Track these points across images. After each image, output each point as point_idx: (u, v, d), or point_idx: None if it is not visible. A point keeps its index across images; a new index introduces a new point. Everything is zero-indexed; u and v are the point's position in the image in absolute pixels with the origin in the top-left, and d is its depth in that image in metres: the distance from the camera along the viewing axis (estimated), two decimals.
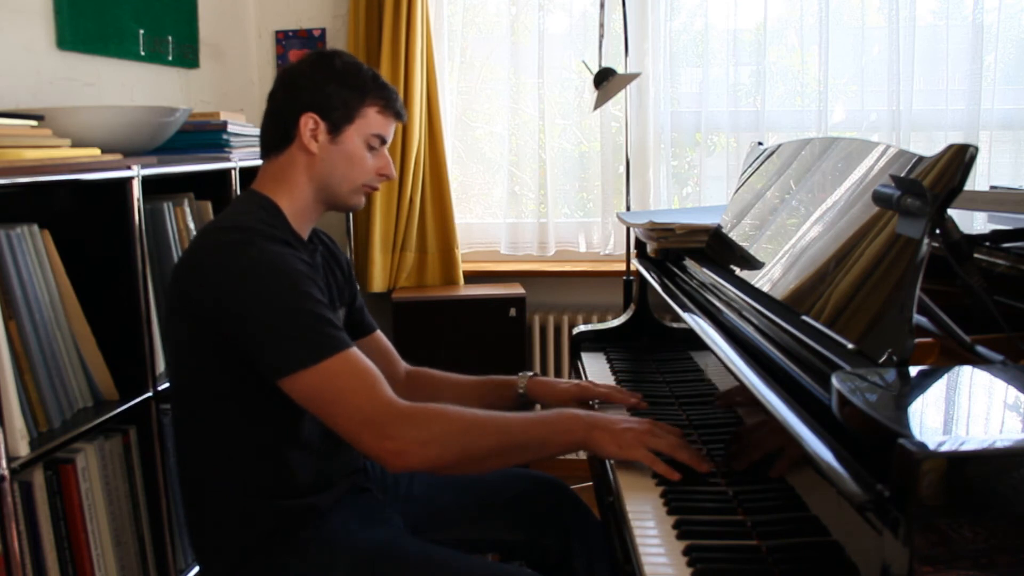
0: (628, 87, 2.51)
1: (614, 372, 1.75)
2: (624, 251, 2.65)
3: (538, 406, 1.55)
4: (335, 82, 1.32)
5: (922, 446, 0.64)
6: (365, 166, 1.35)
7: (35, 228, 1.36)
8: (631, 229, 2.38)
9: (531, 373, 1.55)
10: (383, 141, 1.37)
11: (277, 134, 1.33)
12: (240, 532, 1.25)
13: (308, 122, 1.30)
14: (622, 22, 2.55)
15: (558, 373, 2.89)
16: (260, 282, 1.16)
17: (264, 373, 1.16)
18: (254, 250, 1.18)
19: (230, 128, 1.90)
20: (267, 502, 1.25)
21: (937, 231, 0.91)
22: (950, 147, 0.92)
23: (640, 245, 1.95)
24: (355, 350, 1.18)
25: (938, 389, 0.82)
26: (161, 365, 1.62)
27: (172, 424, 1.33)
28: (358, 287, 1.57)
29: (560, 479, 1.55)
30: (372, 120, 1.34)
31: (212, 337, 1.19)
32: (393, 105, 1.37)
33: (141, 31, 2.15)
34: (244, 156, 1.95)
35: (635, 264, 1.92)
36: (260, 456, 1.24)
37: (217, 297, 1.17)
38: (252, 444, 1.24)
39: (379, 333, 1.59)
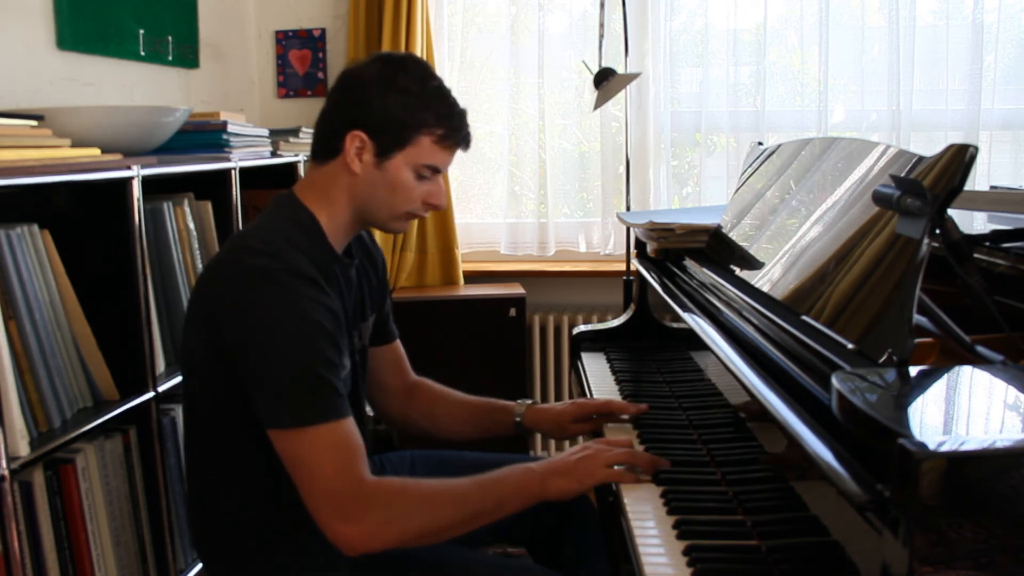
0: (628, 87, 2.51)
1: (614, 372, 1.75)
2: (624, 251, 2.64)
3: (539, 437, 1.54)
4: (391, 101, 1.20)
5: (922, 446, 0.64)
6: (410, 196, 1.25)
7: (35, 228, 1.35)
8: (631, 229, 2.38)
9: (530, 401, 1.51)
10: (437, 171, 1.26)
11: (324, 142, 1.25)
12: (243, 534, 1.25)
13: (355, 141, 1.21)
14: (622, 22, 2.55)
15: (558, 373, 2.89)
16: (273, 325, 1.11)
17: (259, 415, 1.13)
18: (277, 288, 1.12)
19: (230, 128, 1.90)
20: (271, 507, 1.23)
21: (937, 231, 0.91)
22: (950, 147, 0.92)
23: (640, 245, 1.95)
24: (344, 422, 1.11)
25: (938, 389, 0.82)
26: (161, 365, 1.62)
27: (183, 425, 1.31)
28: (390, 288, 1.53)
29: None
30: (425, 150, 1.22)
31: (222, 356, 1.15)
32: (453, 136, 1.24)
33: (141, 31, 2.15)
34: (244, 156, 1.95)
35: (635, 264, 1.92)
36: (266, 467, 1.19)
37: (231, 322, 1.13)
38: (258, 456, 1.19)
39: (397, 343, 1.54)
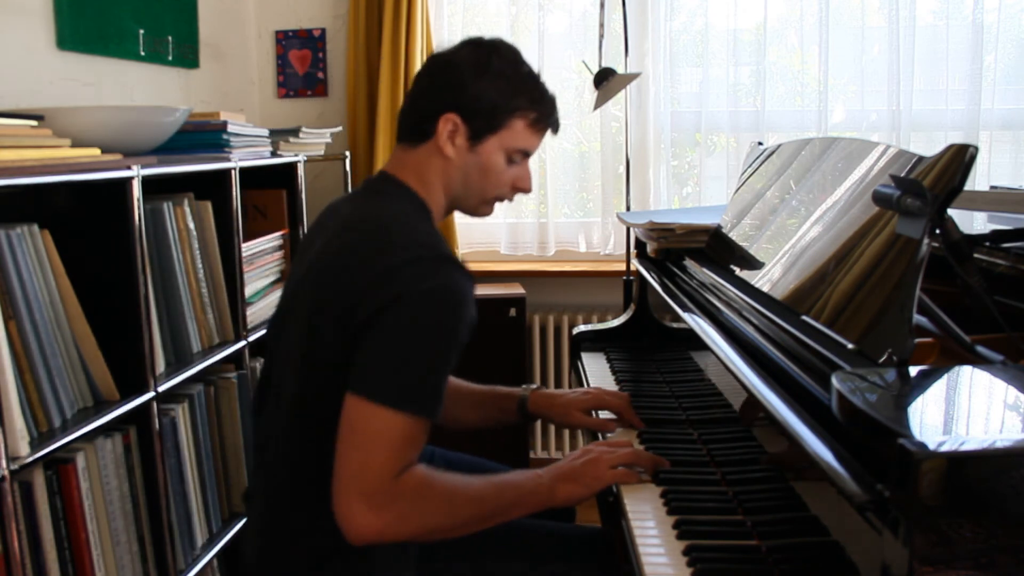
0: (628, 87, 2.51)
1: (614, 372, 1.75)
2: (624, 251, 2.65)
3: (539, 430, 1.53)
4: (486, 84, 1.20)
5: (922, 446, 0.64)
6: (501, 180, 1.25)
7: (35, 228, 1.35)
8: (631, 229, 2.38)
9: (534, 386, 1.50)
10: (527, 155, 1.26)
11: (416, 125, 1.24)
12: (321, 541, 1.19)
13: (448, 124, 1.20)
14: (622, 22, 2.55)
15: (558, 373, 2.89)
16: (432, 319, 1.08)
17: (345, 374, 1.09)
18: (458, 275, 1.11)
19: (230, 128, 1.90)
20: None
21: (937, 231, 0.91)
22: (950, 147, 0.92)
23: (640, 245, 1.95)
24: (427, 423, 1.09)
25: (938, 389, 0.82)
26: (161, 365, 1.62)
27: (286, 428, 1.22)
28: None
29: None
30: (519, 133, 1.23)
31: (348, 342, 1.10)
32: (546, 120, 1.25)
33: (141, 31, 2.15)
34: (244, 156, 1.95)
35: (635, 264, 1.92)
36: None
37: (400, 292, 1.08)
38: None
39: None
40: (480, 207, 1.29)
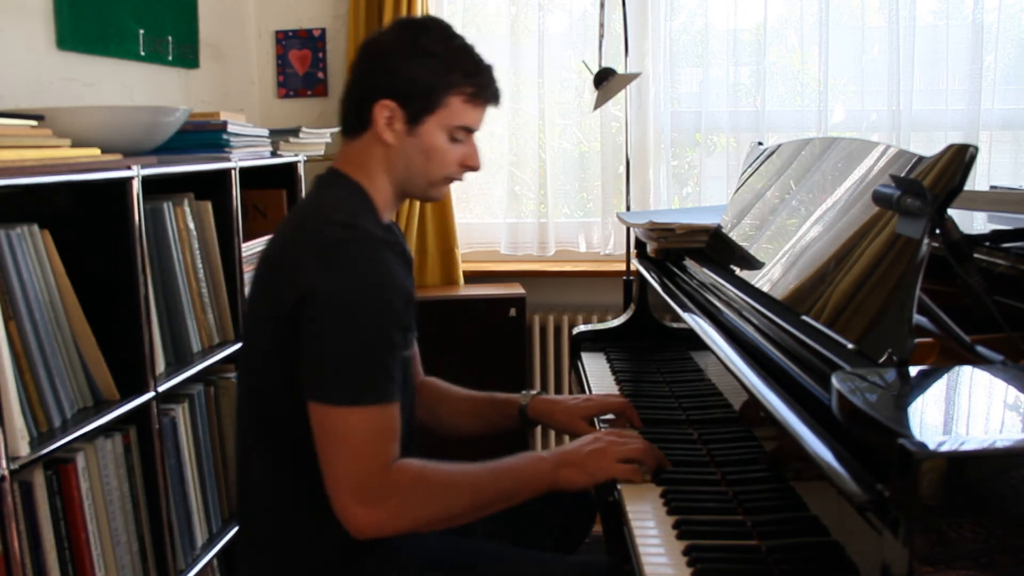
0: (628, 87, 2.51)
1: (614, 372, 1.75)
2: (624, 251, 2.64)
3: (538, 430, 1.52)
4: (417, 64, 1.18)
5: (922, 446, 0.64)
6: (446, 159, 1.23)
7: (35, 228, 1.35)
8: (631, 229, 2.38)
9: (534, 392, 1.49)
10: (470, 131, 1.25)
11: (353, 116, 1.23)
12: (294, 541, 1.21)
13: (384, 111, 1.19)
14: (622, 22, 2.55)
15: (558, 373, 2.89)
16: (356, 300, 1.08)
17: (303, 386, 1.10)
18: (368, 258, 1.10)
19: (230, 128, 1.90)
20: (324, 516, 1.16)
21: (937, 231, 0.91)
22: (950, 147, 0.92)
23: (640, 245, 1.95)
24: (390, 407, 1.10)
25: (938, 389, 0.82)
26: (161, 365, 1.62)
27: (238, 424, 1.25)
28: None
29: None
30: (457, 110, 1.20)
31: (292, 343, 1.11)
32: (483, 92, 1.22)
33: (141, 31, 2.15)
34: (244, 156, 1.95)
35: (635, 264, 1.92)
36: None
37: (315, 290, 1.09)
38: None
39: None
40: (429, 190, 1.27)
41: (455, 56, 1.21)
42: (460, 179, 1.29)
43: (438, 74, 1.19)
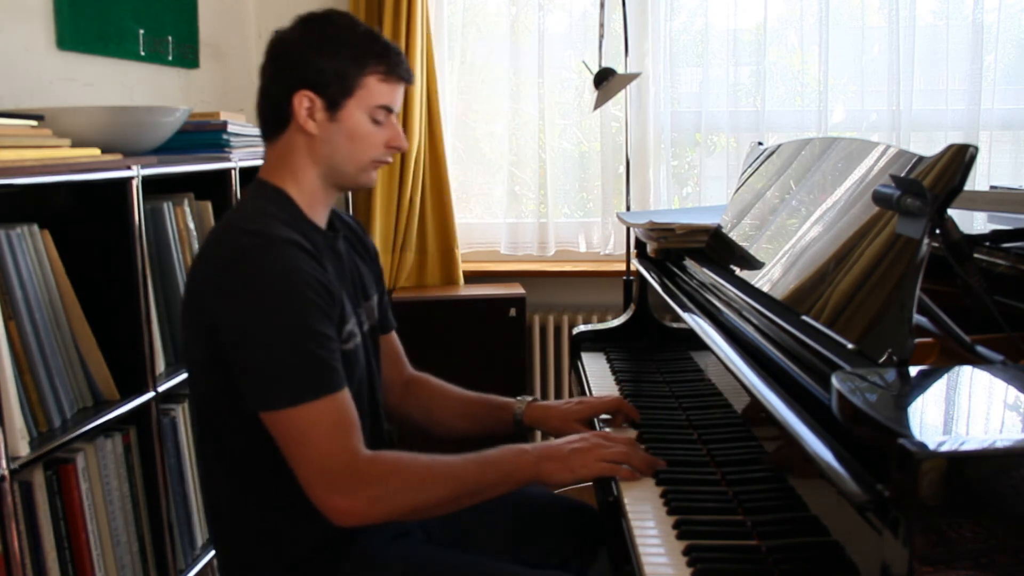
0: (628, 87, 2.51)
1: (614, 372, 1.75)
2: (624, 251, 2.65)
3: (539, 433, 1.52)
4: (327, 52, 1.20)
5: (922, 446, 0.64)
6: (371, 141, 1.24)
7: (35, 228, 1.35)
8: (631, 229, 2.38)
9: (530, 398, 1.48)
10: (389, 110, 1.26)
11: (273, 116, 1.24)
12: (265, 552, 1.22)
13: (302, 101, 1.20)
14: (622, 22, 2.55)
15: (558, 373, 2.89)
16: (262, 304, 1.10)
17: (247, 401, 1.12)
18: (269, 259, 1.11)
19: (230, 128, 1.90)
20: (292, 522, 1.20)
21: (937, 231, 0.91)
22: (950, 147, 0.92)
23: (640, 245, 1.95)
24: (337, 396, 1.11)
25: (938, 389, 0.82)
26: (161, 365, 1.62)
27: (194, 439, 1.29)
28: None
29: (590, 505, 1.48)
30: (374, 90, 1.22)
31: (219, 351, 1.13)
32: (396, 70, 1.24)
33: (141, 31, 2.15)
34: (244, 156, 1.95)
35: (635, 264, 1.92)
36: (281, 477, 1.15)
37: (222, 307, 1.12)
38: (272, 465, 1.15)
39: (395, 335, 1.53)
40: (359, 176, 1.27)
41: (363, 40, 1.23)
42: (388, 161, 1.30)
43: (350, 58, 1.21)
